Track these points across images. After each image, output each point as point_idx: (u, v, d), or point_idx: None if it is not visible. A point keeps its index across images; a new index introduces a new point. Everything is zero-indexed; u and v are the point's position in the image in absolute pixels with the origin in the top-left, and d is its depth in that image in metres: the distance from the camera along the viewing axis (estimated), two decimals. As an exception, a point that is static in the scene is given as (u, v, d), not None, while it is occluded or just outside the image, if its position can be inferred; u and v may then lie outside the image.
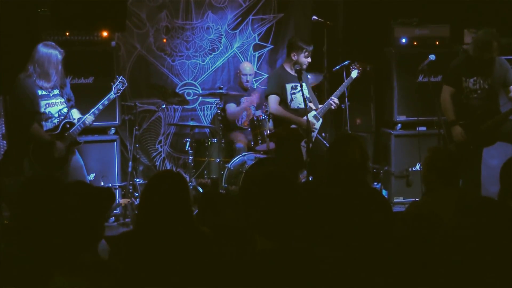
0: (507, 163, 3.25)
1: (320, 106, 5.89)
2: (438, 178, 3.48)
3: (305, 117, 5.29)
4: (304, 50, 5.69)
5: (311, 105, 5.82)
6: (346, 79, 5.97)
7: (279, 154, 5.93)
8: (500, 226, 2.06)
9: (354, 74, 5.93)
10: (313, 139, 5.58)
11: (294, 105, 5.77)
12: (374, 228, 2.72)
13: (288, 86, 5.77)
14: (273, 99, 5.76)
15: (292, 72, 5.75)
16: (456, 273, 2.07)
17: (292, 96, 5.77)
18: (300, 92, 5.53)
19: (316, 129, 5.77)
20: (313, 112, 5.75)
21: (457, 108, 5.63)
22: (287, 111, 5.76)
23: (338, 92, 5.83)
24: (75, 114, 5.39)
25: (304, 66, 5.73)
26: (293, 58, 5.73)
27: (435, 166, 3.49)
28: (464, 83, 5.58)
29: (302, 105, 5.56)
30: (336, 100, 5.77)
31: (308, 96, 5.70)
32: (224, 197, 5.39)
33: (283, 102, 5.77)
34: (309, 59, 5.74)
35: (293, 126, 5.74)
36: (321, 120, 5.78)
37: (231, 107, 6.66)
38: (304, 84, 5.57)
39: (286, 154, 5.82)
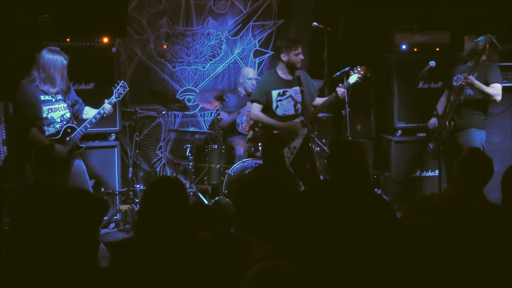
0: (508, 171, 3.25)
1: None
2: (473, 179, 3.43)
3: (294, 120, 5.38)
4: (292, 47, 5.47)
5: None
6: (342, 84, 5.60)
7: (261, 159, 5.80)
8: (502, 231, 2.06)
9: (352, 79, 5.56)
10: (299, 144, 5.48)
11: (279, 112, 5.55)
12: (379, 233, 2.72)
13: (274, 93, 5.54)
14: (254, 106, 5.59)
15: (284, 77, 5.54)
16: (459, 276, 2.08)
17: (278, 103, 5.55)
18: (289, 98, 5.49)
19: (304, 134, 5.50)
20: (301, 118, 5.51)
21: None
22: (268, 117, 5.54)
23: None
24: (90, 111, 5.38)
25: (298, 65, 5.50)
26: (283, 59, 5.50)
27: (472, 168, 3.43)
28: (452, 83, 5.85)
29: (290, 112, 5.53)
30: (342, 89, 5.48)
31: (299, 100, 5.51)
32: (213, 211, 5.34)
33: (268, 109, 5.56)
34: (301, 56, 5.50)
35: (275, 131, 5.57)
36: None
37: (223, 116, 6.50)
38: (297, 88, 5.43)
39: (266, 159, 5.65)
